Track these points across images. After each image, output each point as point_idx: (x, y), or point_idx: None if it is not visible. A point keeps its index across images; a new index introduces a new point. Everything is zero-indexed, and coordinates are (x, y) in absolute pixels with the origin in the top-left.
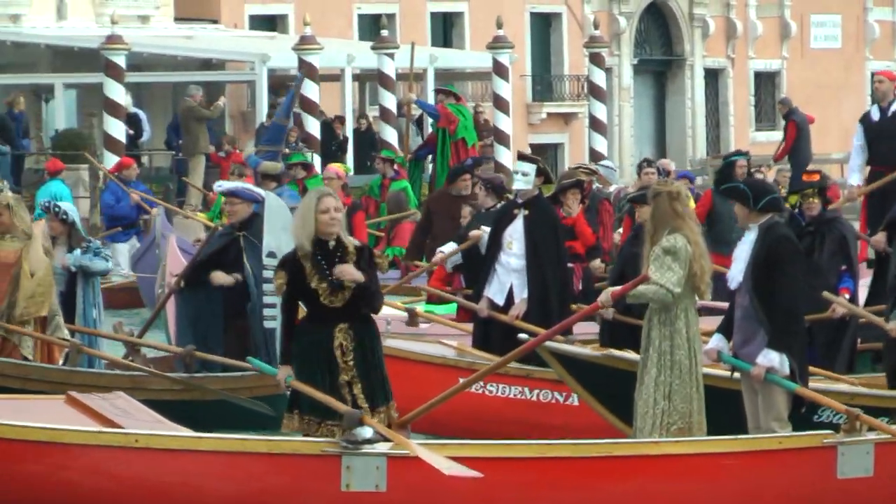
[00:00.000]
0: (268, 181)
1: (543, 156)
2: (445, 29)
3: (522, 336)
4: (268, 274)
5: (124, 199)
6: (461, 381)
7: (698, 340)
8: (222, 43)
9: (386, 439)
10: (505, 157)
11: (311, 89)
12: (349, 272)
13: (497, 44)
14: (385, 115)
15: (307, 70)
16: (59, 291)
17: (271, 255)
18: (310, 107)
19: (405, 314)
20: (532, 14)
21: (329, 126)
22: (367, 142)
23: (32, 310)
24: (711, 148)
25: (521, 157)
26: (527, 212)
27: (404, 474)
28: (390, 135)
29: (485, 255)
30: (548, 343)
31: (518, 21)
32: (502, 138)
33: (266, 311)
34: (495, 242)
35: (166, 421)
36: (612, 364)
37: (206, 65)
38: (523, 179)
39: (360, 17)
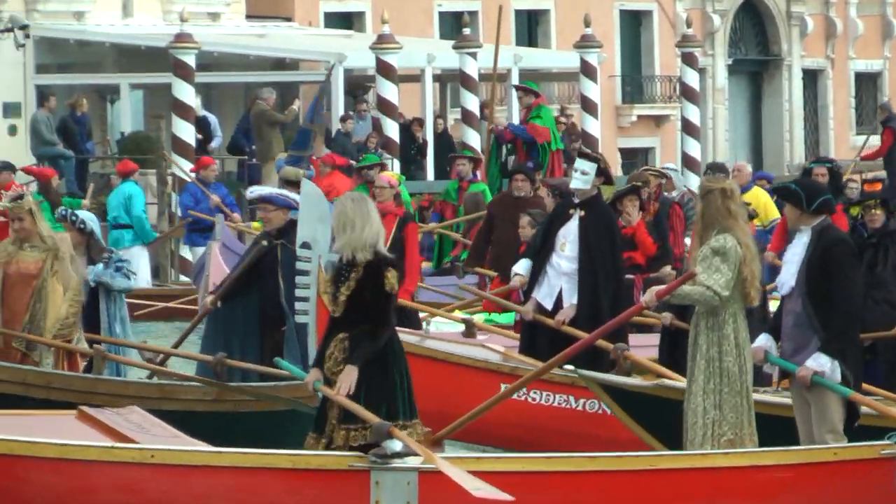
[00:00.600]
0: (290, 187)
1: (634, 160)
2: (530, 27)
3: (568, 367)
4: (302, 266)
5: (203, 201)
6: (503, 387)
7: (748, 348)
8: (296, 42)
9: (416, 453)
10: None
11: (389, 90)
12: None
13: (585, 43)
14: (467, 117)
15: (384, 70)
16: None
17: (305, 245)
18: (388, 109)
19: (461, 325)
20: (621, 11)
21: (408, 129)
22: (447, 145)
23: (66, 332)
24: (810, 152)
25: (581, 154)
26: (583, 212)
27: (437, 490)
28: (472, 138)
29: (536, 256)
30: (594, 374)
31: (607, 19)
32: (590, 142)
33: (297, 305)
34: (547, 243)
35: (183, 435)
36: (663, 394)
37: (280, 65)
38: (581, 178)
39: (441, 14)
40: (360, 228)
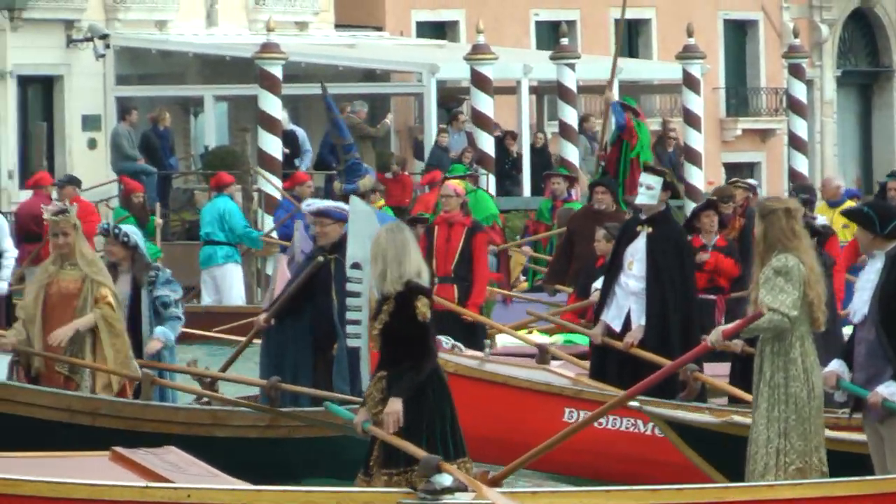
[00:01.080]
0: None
1: (739, 176)
2: (631, 37)
3: (634, 404)
4: (353, 287)
5: (299, 217)
6: (566, 412)
7: (817, 373)
8: (387, 52)
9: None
10: (696, 177)
11: (484, 103)
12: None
13: (687, 53)
14: (565, 131)
15: (479, 81)
16: None
17: (356, 266)
18: (483, 122)
19: (535, 349)
20: (726, 21)
21: (501, 143)
22: (544, 160)
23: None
24: None
25: (647, 168)
26: (650, 229)
27: None
28: (571, 152)
29: (604, 276)
30: (661, 411)
31: (710, 29)
32: (693, 157)
33: (349, 329)
34: (615, 262)
35: (222, 475)
36: (732, 432)
37: (370, 76)
38: (647, 193)
39: (538, 24)
40: (392, 260)
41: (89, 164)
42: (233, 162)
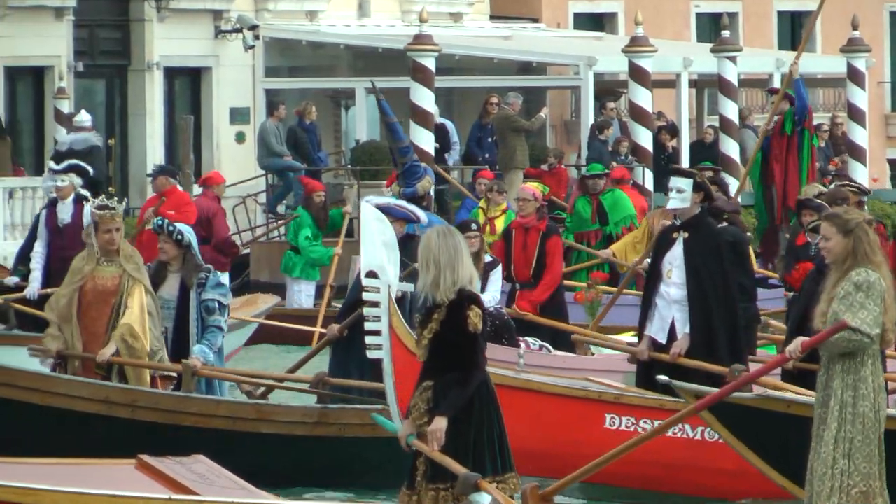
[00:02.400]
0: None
1: None
2: (794, 30)
3: (662, 378)
4: (369, 296)
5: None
6: (607, 417)
7: (884, 393)
8: (544, 44)
9: None
10: (861, 174)
11: (642, 96)
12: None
13: (852, 47)
14: (726, 125)
15: (637, 75)
16: (165, 327)
17: (371, 274)
18: (641, 115)
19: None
20: (892, 13)
21: (656, 137)
22: (713, 156)
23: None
24: None
25: (675, 171)
26: (686, 234)
27: None
28: (731, 148)
29: (644, 287)
30: (691, 386)
31: (876, 21)
32: (858, 153)
33: (368, 339)
34: (654, 272)
35: (251, 487)
36: (766, 406)
37: (526, 68)
38: (678, 197)
39: (698, 16)
40: (445, 266)
41: (237, 157)
42: (383, 156)
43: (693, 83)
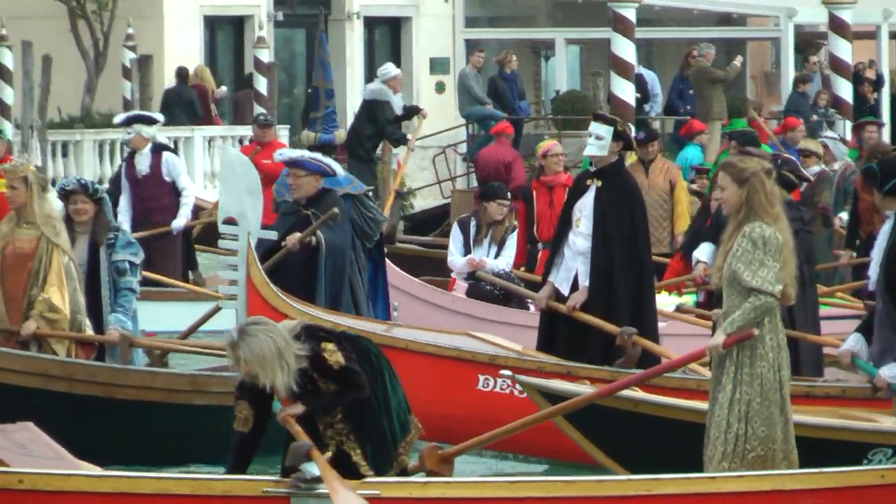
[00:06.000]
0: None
1: None
2: None
3: (504, 371)
4: (227, 244)
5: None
6: (481, 378)
7: (785, 351)
8: None
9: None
10: None
11: (842, 48)
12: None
13: None
14: None
15: (837, 26)
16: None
17: (229, 221)
18: (840, 67)
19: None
20: None
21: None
22: None
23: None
24: None
25: (596, 116)
26: (600, 182)
27: None
28: None
29: (553, 234)
30: (533, 380)
31: None
32: None
33: (222, 289)
34: (564, 219)
35: (70, 457)
36: (611, 404)
37: (725, 20)
38: (597, 144)
39: None
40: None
41: (437, 107)
42: (582, 107)
43: (893, 35)
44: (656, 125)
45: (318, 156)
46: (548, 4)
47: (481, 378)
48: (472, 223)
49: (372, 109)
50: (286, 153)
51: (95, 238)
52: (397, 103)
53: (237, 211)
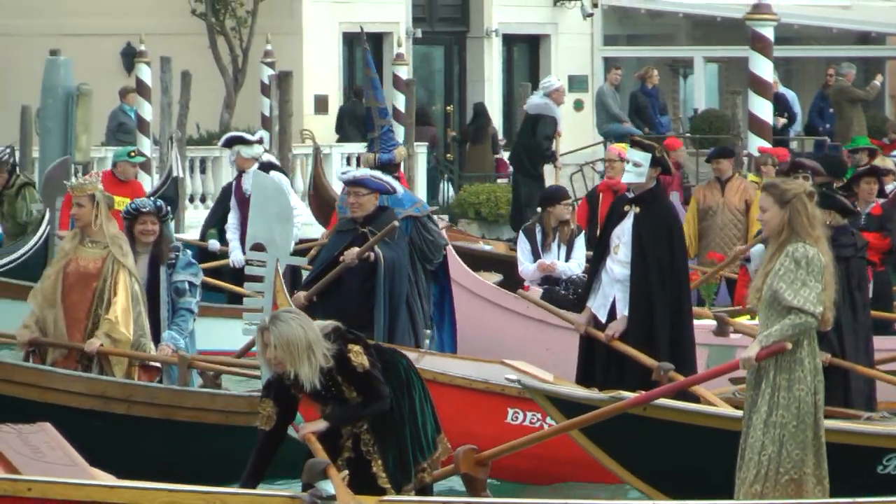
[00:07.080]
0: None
1: None
2: None
3: (509, 377)
4: (253, 271)
5: None
6: (510, 412)
7: (821, 375)
8: (883, 14)
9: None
10: None
11: None
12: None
13: None
14: None
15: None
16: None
17: (258, 247)
18: None
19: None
20: None
21: None
22: None
23: (143, 340)
24: None
25: (633, 143)
26: (638, 210)
27: None
28: None
29: (591, 259)
30: (539, 385)
31: None
32: None
33: (246, 316)
34: (602, 244)
35: (84, 464)
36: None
37: (864, 38)
38: (635, 171)
39: None
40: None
41: (574, 125)
42: (720, 126)
43: None
44: (794, 145)
45: (379, 174)
46: (687, 22)
47: (510, 411)
48: (538, 229)
49: (536, 123)
50: (350, 172)
51: (157, 257)
52: (559, 115)
53: (266, 237)
